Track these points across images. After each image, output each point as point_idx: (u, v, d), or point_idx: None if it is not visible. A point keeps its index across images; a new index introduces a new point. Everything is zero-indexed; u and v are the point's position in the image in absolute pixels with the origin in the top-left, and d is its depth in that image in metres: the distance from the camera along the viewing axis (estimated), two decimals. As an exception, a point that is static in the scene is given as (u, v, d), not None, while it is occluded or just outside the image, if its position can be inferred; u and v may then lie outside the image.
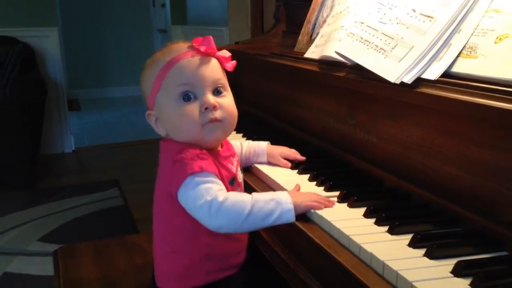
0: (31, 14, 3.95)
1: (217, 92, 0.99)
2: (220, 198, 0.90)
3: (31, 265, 2.37)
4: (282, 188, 1.04)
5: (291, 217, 0.91)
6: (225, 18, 3.51)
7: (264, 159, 1.21)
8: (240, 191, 1.04)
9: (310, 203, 0.93)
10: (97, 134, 4.85)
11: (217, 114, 0.97)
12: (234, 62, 1.02)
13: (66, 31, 6.06)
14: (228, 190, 0.95)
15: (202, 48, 0.98)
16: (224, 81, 1.01)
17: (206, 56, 0.98)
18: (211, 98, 0.96)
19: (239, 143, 1.22)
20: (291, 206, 0.91)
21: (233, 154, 1.06)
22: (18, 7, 3.90)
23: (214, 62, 0.99)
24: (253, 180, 1.17)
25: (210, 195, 0.90)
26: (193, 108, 0.96)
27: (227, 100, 1.00)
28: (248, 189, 1.11)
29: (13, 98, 3.37)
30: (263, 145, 1.22)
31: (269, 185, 1.12)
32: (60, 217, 2.91)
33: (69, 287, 1.31)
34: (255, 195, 0.93)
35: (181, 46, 0.99)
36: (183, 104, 0.96)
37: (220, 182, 0.94)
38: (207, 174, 0.92)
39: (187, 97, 0.96)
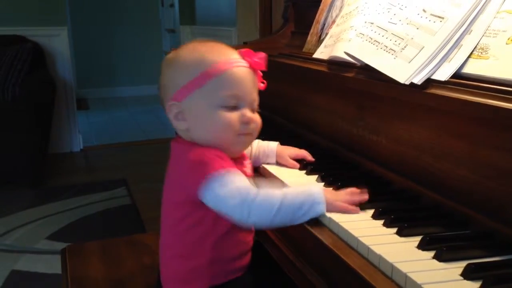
0: (40, 13, 3.98)
1: (252, 108, 1.00)
2: (251, 196, 0.89)
3: (39, 263, 2.38)
4: None
5: (320, 210, 0.89)
6: (233, 18, 3.51)
7: (273, 160, 1.20)
8: None
9: (345, 206, 0.91)
10: (105, 133, 4.87)
11: (251, 128, 0.99)
12: (265, 83, 1.03)
13: (75, 31, 6.09)
14: None
15: (255, 63, 0.99)
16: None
17: (252, 70, 1.00)
18: (250, 112, 0.98)
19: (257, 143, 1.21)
20: (322, 198, 0.90)
21: (245, 158, 1.07)
22: (28, 6, 3.93)
23: (255, 78, 1.00)
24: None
25: (240, 194, 0.89)
26: (234, 118, 0.96)
27: (258, 117, 1.02)
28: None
29: (22, 97, 3.40)
30: (272, 146, 1.21)
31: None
32: (67, 215, 2.93)
33: (77, 286, 1.31)
34: (285, 189, 0.92)
35: (232, 52, 0.99)
36: (223, 111, 0.96)
37: (245, 177, 0.94)
38: (231, 172, 0.92)
39: (231, 106, 0.97)
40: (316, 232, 0.88)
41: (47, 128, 3.68)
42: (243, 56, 1.00)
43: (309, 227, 0.90)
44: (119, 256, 1.45)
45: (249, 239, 1.04)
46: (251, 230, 1.04)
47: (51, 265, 2.33)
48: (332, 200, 0.91)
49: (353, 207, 0.91)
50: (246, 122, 0.97)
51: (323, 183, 1.07)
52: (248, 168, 1.04)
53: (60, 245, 2.29)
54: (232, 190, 0.89)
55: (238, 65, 0.97)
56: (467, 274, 0.68)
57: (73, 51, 5.00)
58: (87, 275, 1.36)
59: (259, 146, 1.21)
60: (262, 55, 1.01)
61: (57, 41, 4.05)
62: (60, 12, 4.08)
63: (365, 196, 0.93)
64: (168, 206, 1.02)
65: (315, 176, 1.10)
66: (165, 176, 1.03)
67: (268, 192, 0.91)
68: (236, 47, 1.08)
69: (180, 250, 1.00)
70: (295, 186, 0.97)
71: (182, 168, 0.97)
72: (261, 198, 0.89)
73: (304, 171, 1.15)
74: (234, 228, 0.97)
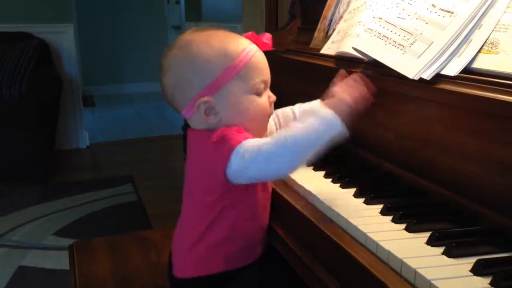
0: (47, 10, 3.99)
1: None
2: (263, 141, 0.91)
3: (46, 259, 2.39)
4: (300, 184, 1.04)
5: (337, 128, 0.90)
6: (239, 14, 3.50)
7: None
8: None
9: (357, 105, 0.93)
10: (111, 130, 4.89)
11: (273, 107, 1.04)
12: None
13: (81, 28, 6.09)
14: None
15: (264, 44, 1.01)
16: None
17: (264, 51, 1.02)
18: (271, 92, 1.03)
19: (290, 109, 1.20)
20: (330, 113, 0.90)
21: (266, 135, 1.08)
22: (34, 3, 3.94)
23: None
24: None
25: (252, 146, 0.91)
26: (265, 101, 1.01)
27: None
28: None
29: (29, 93, 3.41)
30: (315, 104, 1.13)
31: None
32: (74, 212, 2.94)
33: (84, 281, 1.32)
34: (298, 124, 0.92)
35: (244, 39, 1.01)
36: (255, 97, 0.99)
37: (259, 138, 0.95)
38: (248, 140, 0.93)
39: (260, 90, 1.00)
40: (324, 228, 0.88)
41: (54, 125, 3.70)
42: (252, 40, 1.01)
43: (316, 223, 0.90)
44: (126, 252, 1.46)
45: (266, 226, 1.05)
46: (267, 219, 1.05)
47: (58, 261, 2.34)
48: (344, 115, 0.91)
49: (362, 108, 0.94)
50: (272, 102, 1.03)
51: (330, 179, 1.06)
52: None
53: (67, 241, 2.30)
54: (251, 151, 0.90)
55: (256, 50, 1.00)
56: (477, 270, 0.68)
57: (79, 48, 5.00)
58: (94, 271, 1.37)
59: (301, 109, 1.19)
60: (268, 35, 1.03)
61: (63, 38, 4.06)
62: (67, 9, 4.09)
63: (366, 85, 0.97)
64: (192, 192, 1.03)
65: (323, 172, 1.10)
66: (186, 165, 1.03)
67: (279, 135, 0.92)
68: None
69: (201, 232, 1.00)
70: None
71: (206, 151, 0.97)
72: (275, 139, 0.91)
73: (312, 167, 1.14)
74: (254, 214, 1.00)
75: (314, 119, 0.90)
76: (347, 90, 0.96)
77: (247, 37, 1.02)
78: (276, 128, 1.16)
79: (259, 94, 0.99)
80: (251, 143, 0.92)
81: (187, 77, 0.98)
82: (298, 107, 1.20)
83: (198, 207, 1.01)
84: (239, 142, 0.92)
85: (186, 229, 1.05)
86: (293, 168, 0.92)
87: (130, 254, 1.44)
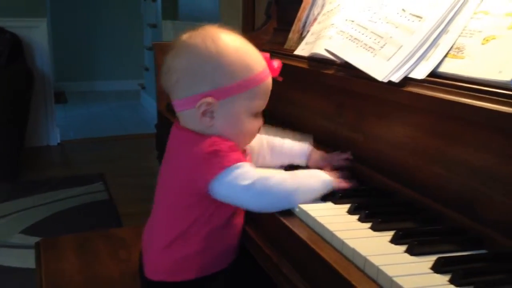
0: (20, 3, 3.91)
1: None
2: (265, 176, 0.92)
3: (12, 257, 2.34)
4: None
5: (330, 184, 0.95)
6: (216, 14, 3.50)
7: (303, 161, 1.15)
8: None
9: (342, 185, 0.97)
10: (84, 128, 4.82)
11: None
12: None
13: (55, 23, 6.01)
14: None
15: (275, 71, 1.02)
16: None
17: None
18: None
19: (279, 141, 1.16)
20: (329, 178, 0.96)
21: (247, 154, 1.07)
22: (7, -3, 3.86)
23: None
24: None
25: (253, 177, 0.91)
26: (257, 126, 1.03)
27: None
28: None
29: (-1, 88, 3.34)
30: (304, 146, 1.15)
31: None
32: (43, 210, 2.89)
33: (51, 280, 1.30)
34: (294, 171, 0.97)
35: (262, 59, 1.01)
36: (252, 117, 1.00)
37: (254, 167, 0.95)
38: (245, 165, 0.93)
39: (258, 113, 1.02)
40: (291, 226, 0.89)
41: (24, 121, 3.62)
42: (275, 66, 1.02)
43: (285, 221, 0.91)
44: (94, 250, 1.44)
45: (239, 231, 1.05)
46: (241, 222, 1.05)
47: (25, 259, 2.30)
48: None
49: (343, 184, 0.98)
50: (260, 127, 1.04)
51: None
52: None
53: (34, 240, 2.23)
54: (243, 175, 0.91)
55: (270, 74, 1.01)
56: (437, 268, 0.70)
57: (52, 44, 4.92)
58: (61, 268, 1.35)
59: (290, 146, 1.16)
60: (279, 63, 1.03)
61: (36, 32, 3.98)
62: (40, 4, 4.02)
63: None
64: (166, 193, 1.01)
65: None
66: (164, 163, 1.02)
67: (280, 174, 0.95)
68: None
69: (173, 238, 0.98)
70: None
71: (193, 158, 0.95)
72: (276, 179, 0.92)
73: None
74: (229, 220, 0.99)
75: (315, 182, 0.95)
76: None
77: (262, 58, 1.01)
78: (258, 151, 1.14)
79: (255, 116, 1.01)
80: (247, 170, 0.92)
81: (205, 70, 0.95)
82: (288, 144, 1.16)
83: (172, 211, 0.99)
84: (232, 163, 0.91)
85: (158, 232, 1.03)
86: (278, 210, 0.93)
87: (99, 252, 1.43)
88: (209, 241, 0.98)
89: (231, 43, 0.97)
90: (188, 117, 0.98)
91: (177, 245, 0.99)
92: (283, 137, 1.17)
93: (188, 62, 0.96)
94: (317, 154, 1.12)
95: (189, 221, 0.97)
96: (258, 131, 1.05)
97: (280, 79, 1.04)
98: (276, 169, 1.01)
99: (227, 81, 0.95)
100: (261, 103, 1.00)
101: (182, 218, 0.97)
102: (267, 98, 1.02)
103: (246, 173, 0.91)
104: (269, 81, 1.00)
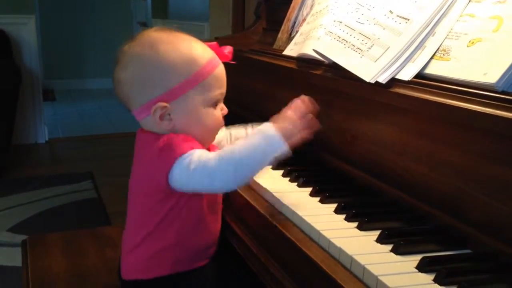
0: (8, 0, 3.87)
1: None
2: (209, 156, 0.91)
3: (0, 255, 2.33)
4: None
5: (278, 143, 0.89)
6: (206, 13, 3.50)
7: None
8: None
9: (300, 137, 0.92)
10: (72, 126, 4.78)
11: None
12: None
13: (44, 20, 5.95)
14: None
15: (225, 56, 1.02)
16: None
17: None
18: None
19: (244, 129, 1.17)
20: (273, 130, 0.90)
21: (214, 148, 1.07)
22: (-6, -7, 3.82)
23: None
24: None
25: (198, 158, 0.91)
26: (219, 114, 1.02)
27: None
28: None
29: (-14, 85, 3.30)
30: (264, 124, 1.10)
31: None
32: (31, 208, 2.86)
33: (37, 277, 1.29)
34: (240, 142, 0.93)
35: (208, 49, 1.00)
36: (212, 108, 0.99)
37: (207, 151, 0.95)
38: (195, 151, 0.93)
39: (216, 102, 1.00)
40: (279, 225, 0.90)
41: (11, 119, 3.59)
42: (214, 50, 1.01)
43: (272, 220, 0.91)
44: (81, 249, 1.44)
45: (216, 229, 1.05)
46: (217, 223, 1.05)
47: (11, 257, 2.28)
48: (288, 136, 0.90)
49: (308, 132, 0.93)
50: (224, 114, 1.03)
51: (288, 178, 1.08)
52: None
53: (21, 238, 2.21)
54: (191, 160, 0.91)
55: (219, 63, 1.00)
56: (421, 267, 0.71)
57: (40, 41, 4.88)
58: (48, 266, 1.34)
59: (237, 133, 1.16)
60: (230, 48, 1.03)
61: (25, 29, 3.95)
62: (28, 0, 3.98)
63: (312, 106, 0.95)
64: (136, 195, 1.02)
65: (281, 171, 1.11)
66: (132, 166, 1.03)
67: (224, 149, 0.93)
68: (206, 42, 1.08)
69: (144, 236, 0.99)
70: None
71: (151, 156, 0.96)
72: (217, 154, 0.91)
73: (271, 167, 1.15)
74: (202, 218, 0.99)
75: (258, 138, 0.91)
76: (293, 111, 0.94)
77: (210, 47, 1.02)
78: (226, 143, 1.15)
79: (215, 106, 1.00)
80: (197, 155, 0.91)
81: (151, 77, 0.96)
82: (251, 128, 1.17)
83: (142, 210, 1.00)
84: (184, 152, 0.92)
85: (130, 232, 1.04)
86: (237, 184, 0.94)
87: (86, 250, 1.42)
88: (181, 236, 0.98)
89: (170, 44, 0.97)
90: (149, 123, 0.99)
91: (148, 242, 0.99)
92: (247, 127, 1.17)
93: (133, 72, 0.97)
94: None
95: (159, 217, 0.97)
96: (222, 125, 1.04)
97: (234, 62, 1.05)
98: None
99: (175, 81, 0.95)
100: (217, 93, 0.99)
101: (153, 215, 0.98)
102: (223, 86, 1.01)
103: (194, 157, 0.91)
104: (219, 69, 0.99)
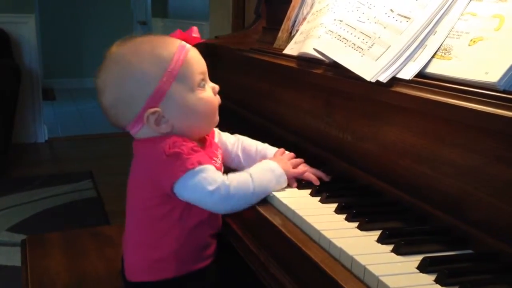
0: (7, -1, 3.87)
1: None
2: (227, 182, 0.94)
3: (-1, 255, 2.32)
4: None
5: (284, 182, 1.00)
6: (206, 12, 3.49)
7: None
8: None
9: (292, 181, 1.02)
10: (72, 125, 4.78)
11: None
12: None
13: (43, 19, 5.93)
14: None
15: (194, 39, 1.02)
16: None
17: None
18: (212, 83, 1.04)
19: (255, 146, 1.16)
20: (281, 170, 1.00)
21: (216, 148, 1.08)
22: (-6, -8, 3.82)
23: None
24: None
25: (216, 182, 0.93)
26: (210, 94, 1.02)
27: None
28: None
29: (-14, 84, 3.30)
30: (270, 152, 1.14)
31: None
32: (30, 207, 2.86)
33: (37, 277, 1.29)
34: (249, 170, 1.00)
35: (173, 39, 1.01)
36: (200, 91, 0.99)
37: (216, 170, 0.97)
38: (206, 167, 0.94)
39: (202, 84, 1.00)
40: (279, 225, 0.89)
41: (11, 118, 3.58)
42: (181, 38, 1.02)
43: (272, 220, 0.91)
44: (81, 248, 1.43)
45: (215, 230, 1.05)
46: (218, 221, 1.05)
47: (11, 257, 2.28)
48: (287, 169, 1.01)
49: (293, 182, 1.03)
50: (216, 92, 1.04)
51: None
52: (219, 159, 1.06)
53: (21, 237, 2.21)
54: (207, 179, 0.93)
55: (188, 48, 1.00)
56: (423, 267, 0.70)
57: (40, 40, 4.87)
58: (48, 266, 1.33)
59: (261, 149, 1.16)
60: (195, 29, 1.05)
61: (24, 28, 3.94)
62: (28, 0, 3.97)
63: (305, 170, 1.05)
64: (136, 198, 1.02)
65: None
66: (131, 170, 1.02)
67: (240, 177, 0.97)
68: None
69: (146, 240, 1.00)
70: (254, 166, 1.03)
71: (156, 162, 0.95)
72: (236, 182, 0.95)
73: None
74: (202, 221, 1.00)
75: (271, 176, 0.98)
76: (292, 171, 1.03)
77: (174, 37, 1.02)
78: (233, 151, 1.15)
79: (202, 88, 1.00)
80: (211, 174, 0.93)
81: (128, 92, 0.96)
82: (262, 152, 1.15)
83: (142, 212, 1.00)
84: (194, 166, 0.92)
85: (132, 233, 1.04)
86: (239, 210, 0.97)
87: (85, 249, 1.42)
88: (183, 240, 0.99)
89: (132, 53, 0.97)
90: (146, 132, 0.98)
91: (151, 244, 0.99)
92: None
93: (112, 96, 0.99)
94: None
95: (160, 221, 0.98)
96: (216, 95, 1.04)
97: (202, 40, 1.07)
98: (236, 172, 1.01)
99: (153, 84, 0.95)
100: (196, 75, 0.99)
101: (154, 218, 0.98)
102: (201, 66, 1.01)
103: (209, 177, 0.93)
104: (190, 55, 0.99)
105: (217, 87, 1.04)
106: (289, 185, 1.01)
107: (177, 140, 0.95)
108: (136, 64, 0.96)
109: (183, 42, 1.00)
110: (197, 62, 1.00)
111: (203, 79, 1.00)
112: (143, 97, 0.96)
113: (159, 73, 0.95)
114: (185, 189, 0.93)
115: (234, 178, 0.96)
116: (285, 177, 1.00)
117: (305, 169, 1.05)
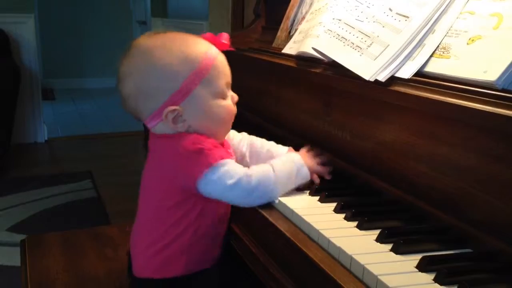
0: (7, -1, 3.87)
1: None
2: (249, 172, 0.94)
3: (-2, 255, 2.32)
4: None
5: (306, 175, 1.00)
6: (205, 12, 3.49)
7: None
8: None
9: (315, 176, 1.02)
10: (71, 125, 4.78)
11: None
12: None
13: (43, 19, 5.93)
14: None
15: (223, 45, 1.02)
16: None
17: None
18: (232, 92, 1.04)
19: (261, 146, 1.16)
20: (302, 162, 1.00)
21: (229, 146, 1.08)
22: (-7, -8, 3.82)
23: None
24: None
25: (238, 174, 0.93)
26: (230, 103, 1.02)
27: None
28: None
29: (-15, 84, 3.30)
30: (282, 150, 1.13)
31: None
32: (30, 207, 2.86)
33: (36, 277, 1.29)
34: (271, 161, 0.99)
35: (204, 41, 1.00)
36: (221, 99, 0.99)
37: (238, 164, 0.97)
38: (229, 161, 0.94)
39: (225, 92, 1.00)
40: (278, 224, 0.89)
41: (10, 118, 3.58)
42: (211, 41, 1.01)
43: (271, 219, 0.91)
44: (80, 248, 1.43)
45: (224, 230, 1.05)
46: (226, 223, 1.05)
47: (11, 257, 2.27)
48: (309, 164, 1.01)
49: (316, 177, 1.03)
50: (235, 102, 1.04)
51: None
52: (233, 157, 1.06)
53: (21, 237, 2.22)
54: (229, 172, 0.92)
55: (217, 53, 1.00)
56: (422, 267, 0.70)
57: (40, 40, 4.87)
58: (47, 266, 1.34)
59: (268, 147, 1.15)
60: (226, 35, 1.04)
61: (24, 28, 3.94)
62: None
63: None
64: (151, 195, 1.01)
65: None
66: (146, 167, 1.02)
67: (261, 168, 0.97)
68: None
69: (159, 239, 0.99)
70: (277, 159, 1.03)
71: (179, 157, 0.95)
72: (258, 174, 0.95)
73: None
74: (213, 222, 1.00)
75: (295, 170, 0.98)
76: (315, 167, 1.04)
77: (205, 39, 1.01)
78: (238, 149, 1.14)
79: (224, 97, 1.00)
80: (232, 167, 0.93)
81: (153, 86, 0.96)
82: (269, 147, 1.14)
83: (159, 210, 0.99)
84: (217, 160, 0.92)
85: (144, 232, 1.03)
86: (261, 204, 0.96)
87: (85, 250, 1.42)
88: (197, 238, 0.98)
89: (163, 48, 0.96)
90: (163, 128, 0.98)
91: (164, 244, 0.99)
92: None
93: (135, 86, 0.97)
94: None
95: (176, 218, 0.97)
96: (235, 106, 1.04)
97: (233, 49, 1.07)
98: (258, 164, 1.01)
99: (178, 83, 0.95)
100: (222, 82, 0.99)
101: (170, 216, 0.97)
102: (227, 75, 1.01)
103: (231, 170, 0.93)
104: (218, 60, 0.99)
105: (236, 97, 1.04)
106: (312, 180, 1.02)
107: (198, 137, 0.95)
108: (166, 58, 0.95)
109: (213, 47, 1.00)
110: (224, 70, 1.00)
111: (226, 89, 1.00)
112: (166, 93, 0.95)
113: (187, 72, 0.95)
114: (208, 184, 0.92)
115: (254, 170, 0.96)
116: (307, 169, 0.99)
117: (328, 169, 1.05)
